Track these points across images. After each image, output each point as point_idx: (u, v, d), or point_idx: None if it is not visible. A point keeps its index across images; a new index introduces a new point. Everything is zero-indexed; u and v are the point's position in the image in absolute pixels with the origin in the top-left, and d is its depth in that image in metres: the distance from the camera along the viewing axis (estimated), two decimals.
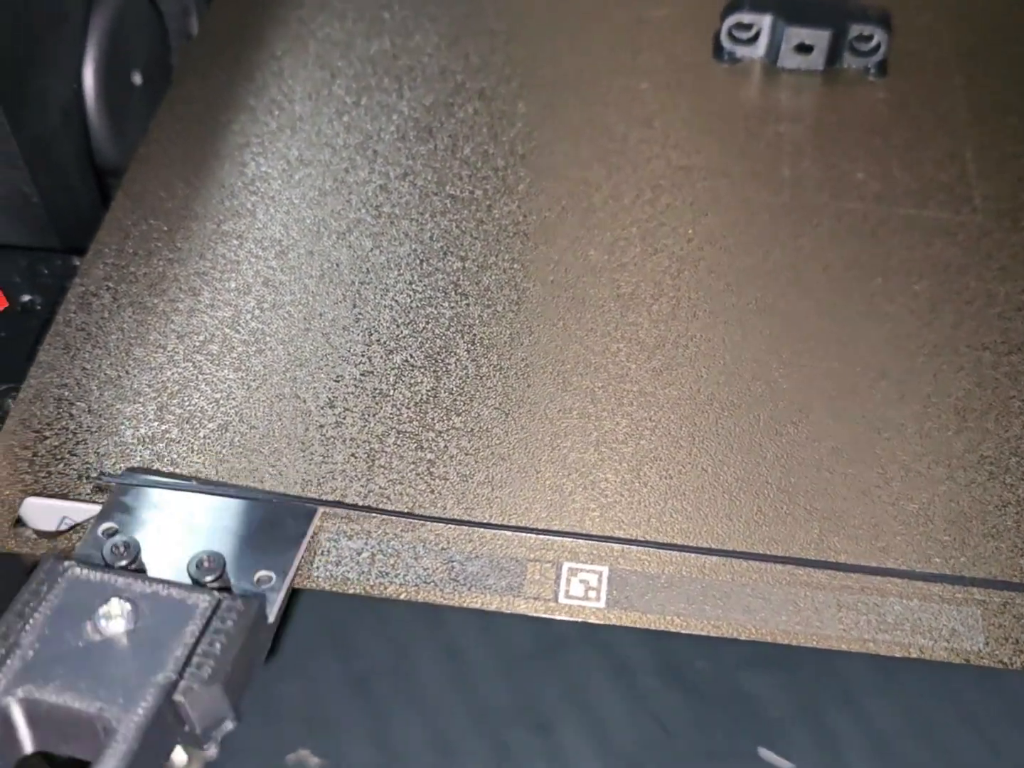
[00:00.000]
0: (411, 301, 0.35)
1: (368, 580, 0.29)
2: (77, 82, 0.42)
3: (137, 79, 0.47)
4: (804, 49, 0.42)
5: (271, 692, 0.54)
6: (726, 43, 0.42)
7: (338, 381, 0.33)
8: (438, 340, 0.34)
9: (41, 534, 0.31)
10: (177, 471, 0.31)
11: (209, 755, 0.53)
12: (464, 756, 0.52)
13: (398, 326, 0.34)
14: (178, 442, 0.32)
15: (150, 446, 0.32)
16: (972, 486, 0.31)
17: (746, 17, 0.42)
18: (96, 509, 0.30)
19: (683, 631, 0.29)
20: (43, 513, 0.31)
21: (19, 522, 0.31)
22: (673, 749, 0.51)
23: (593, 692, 0.54)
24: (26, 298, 0.38)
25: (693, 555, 0.30)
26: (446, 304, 0.35)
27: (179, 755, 0.51)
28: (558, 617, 0.29)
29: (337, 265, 0.36)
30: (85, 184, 0.43)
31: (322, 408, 0.32)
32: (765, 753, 0.52)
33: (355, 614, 0.56)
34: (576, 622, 0.59)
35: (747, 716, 0.52)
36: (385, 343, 0.34)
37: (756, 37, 0.42)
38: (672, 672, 0.54)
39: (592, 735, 0.53)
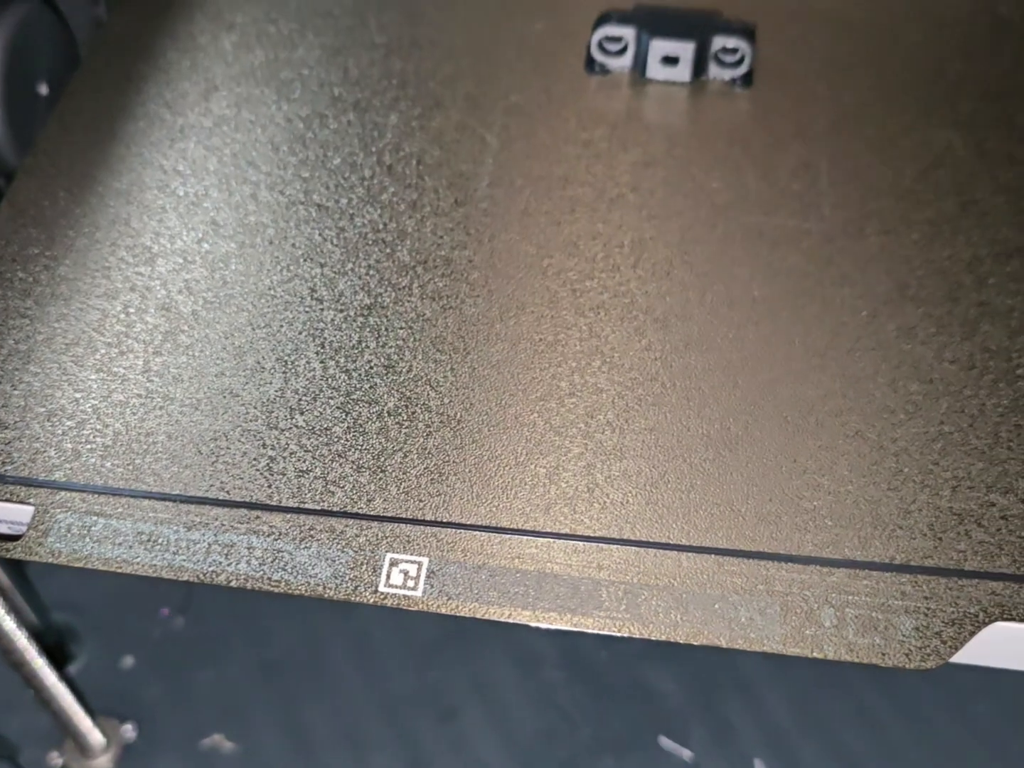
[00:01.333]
0: (268, 306, 0.37)
1: (202, 569, 0.31)
2: None
3: (43, 89, 0.49)
4: (670, 61, 0.43)
5: (186, 679, 0.56)
6: (596, 55, 0.44)
7: (191, 382, 0.35)
8: (290, 343, 0.36)
9: None
10: (34, 465, 0.33)
11: (127, 738, 0.56)
12: (372, 743, 0.54)
13: (254, 329, 0.36)
14: (36, 438, 0.34)
15: (9, 442, 0.33)
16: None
17: (614, 30, 0.43)
18: None
19: (500, 619, 0.31)
20: None
21: None
22: (575, 739, 0.54)
23: (499, 682, 0.56)
24: None
25: (508, 541, 0.31)
26: (301, 308, 0.37)
27: (96, 737, 0.53)
28: (375, 603, 0.31)
29: (201, 271, 0.38)
30: None
31: (174, 408, 0.34)
32: (666, 742, 0.54)
33: (265, 603, 0.58)
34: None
35: (647, 707, 0.54)
36: (240, 346, 0.36)
37: (624, 49, 0.44)
38: (576, 664, 0.56)
39: (496, 724, 0.55)
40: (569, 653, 0.57)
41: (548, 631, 0.58)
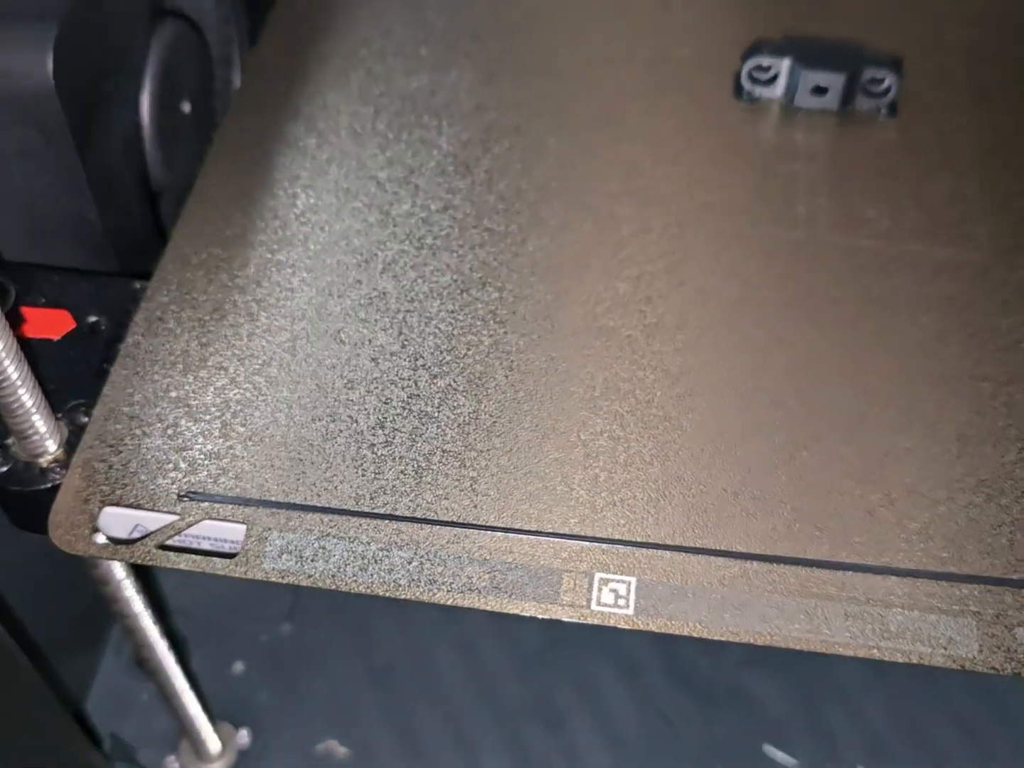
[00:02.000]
0: (452, 329, 0.38)
1: (418, 587, 0.32)
2: (136, 113, 0.45)
3: (186, 107, 0.50)
4: (819, 91, 0.45)
5: (299, 687, 0.57)
6: (746, 84, 0.45)
7: (387, 403, 0.36)
8: (478, 366, 0.37)
9: (115, 541, 0.34)
10: (240, 485, 0.34)
11: (242, 744, 0.56)
12: (480, 747, 0.55)
13: (441, 352, 0.37)
14: (241, 458, 0.35)
15: (215, 461, 0.34)
16: (970, 507, 0.34)
17: (765, 60, 0.44)
18: (168, 519, 0.33)
19: (705, 637, 0.32)
20: (117, 521, 0.34)
21: (95, 530, 0.34)
22: (680, 745, 0.55)
23: (603, 689, 0.57)
24: (92, 319, 0.40)
25: (714, 567, 0.32)
26: (485, 332, 0.38)
27: (214, 742, 0.54)
28: (591, 623, 0.32)
29: (384, 294, 0.39)
30: (142, 209, 0.46)
31: (372, 428, 0.35)
32: (770, 750, 0.55)
33: (369, 609, 0.59)
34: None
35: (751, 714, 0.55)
36: (429, 368, 0.37)
37: (774, 79, 0.45)
38: (678, 672, 0.57)
39: (602, 730, 0.56)
40: (669, 661, 0.58)
41: (648, 637, 0.59)
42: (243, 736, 0.56)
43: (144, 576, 0.59)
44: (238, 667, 0.58)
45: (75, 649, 0.57)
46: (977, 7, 0.51)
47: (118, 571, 0.41)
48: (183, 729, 0.53)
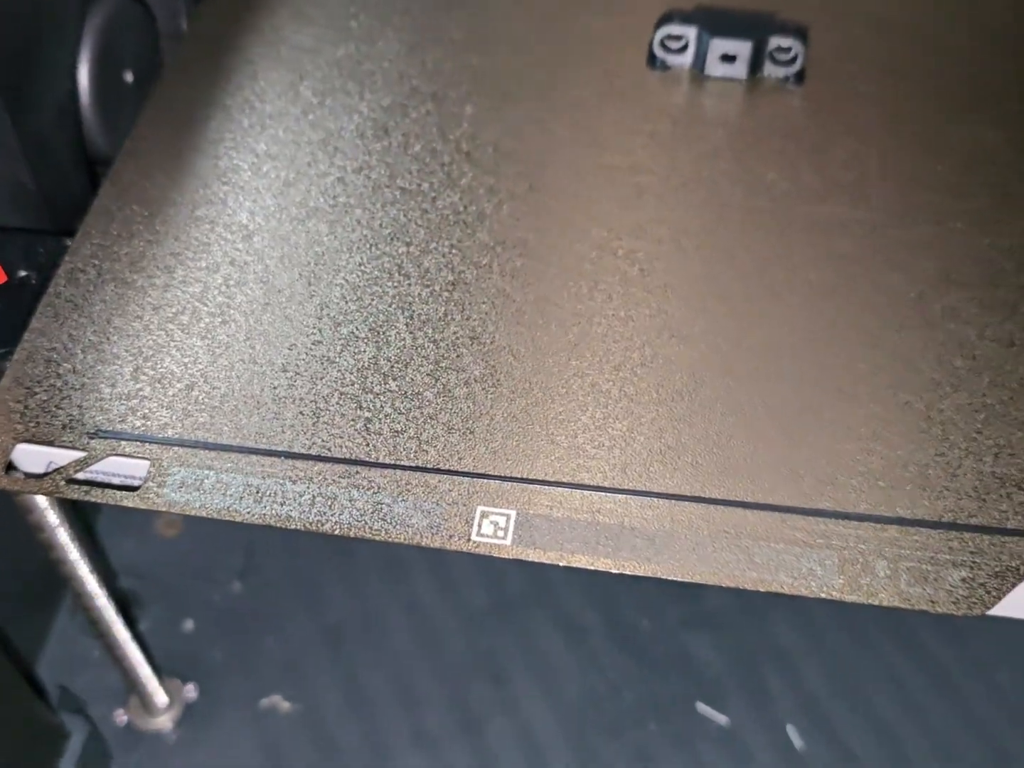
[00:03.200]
0: (359, 280, 0.40)
1: (308, 518, 0.34)
2: (72, 81, 0.47)
3: (128, 77, 0.52)
4: (728, 59, 0.46)
5: (249, 645, 0.59)
6: (658, 52, 0.47)
7: (291, 349, 0.38)
8: (381, 315, 0.39)
9: (29, 475, 0.35)
10: (147, 424, 0.36)
11: (189, 697, 0.58)
12: (425, 703, 0.57)
13: (346, 302, 0.39)
14: (149, 399, 0.36)
15: (125, 402, 0.36)
16: (836, 448, 0.36)
17: (675, 29, 0.46)
18: (77, 455, 0.35)
19: (579, 567, 0.33)
20: (32, 458, 0.36)
21: (11, 466, 0.36)
22: (618, 702, 0.56)
23: (547, 650, 0.59)
24: (23, 274, 0.42)
25: (590, 501, 0.34)
26: (390, 283, 0.40)
27: (161, 696, 0.56)
28: (470, 551, 0.34)
29: (295, 247, 0.41)
30: (78, 173, 0.48)
31: (276, 372, 0.37)
32: (703, 708, 0.57)
33: (321, 571, 0.61)
34: (531, 584, 0.63)
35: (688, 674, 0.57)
36: (334, 317, 0.39)
37: (686, 47, 0.46)
38: (620, 633, 0.59)
39: (544, 689, 0.57)
40: (613, 623, 0.60)
41: (591, 600, 0.60)
42: (190, 690, 0.58)
43: (89, 532, 0.61)
44: (188, 625, 0.60)
45: (29, 609, 0.59)
46: None
47: (51, 517, 0.43)
48: (130, 683, 0.54)
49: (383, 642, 0.59)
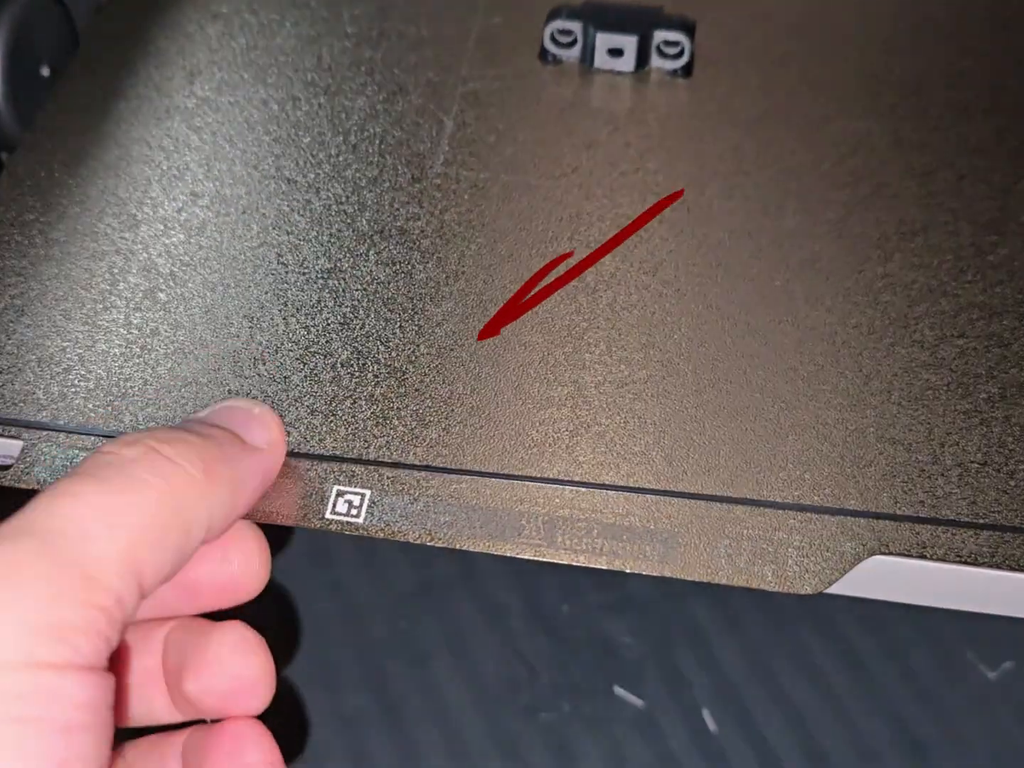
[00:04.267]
0: (238, 269, 0.41)
1: None
2: None
3: (45, 71, 0.53)
4: (615, 53, 0.47)
5: None
6: (549, 46, 0.48)
7: (174, 331, 0.39)
8: (256, 303, 0.40)
9: None
10: (24, 406, 0.37)
11: None
12: (341, 682, 0.58)
13: (224, 288, 0.40)
14: (26, 382, 0.38)
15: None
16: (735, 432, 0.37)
17: (564, 24, 0.47)
18: None
19: (427, 543, 0.35)
20: None
21: None
22: (535, 685, 0.58)
23: (466, 633, 0.60)
24: None
25: (441, 483, 0.35)
26: (267, 272, 0.41)
27: None
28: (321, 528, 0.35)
29: (181, 236, 0.42)
30: None
31: (157, 358, 0.38)
32: (620, 691, 0.58)
33: None
34: (450, 568, 0.64)
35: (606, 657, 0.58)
36: (210, 303, 0.40)
37: (575, 42, 0.48)
38: (540, 616, 0.60)
39: (463, 671, 0.59)
40: (533, 607, 0.61)
41: (512, 586, 0.62)
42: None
43: None
44: None
45: None
46: None
47: None
48: None
49: (302, 623, 0.61)
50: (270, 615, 0.60)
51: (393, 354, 0.39)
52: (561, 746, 0.55)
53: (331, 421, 0.37)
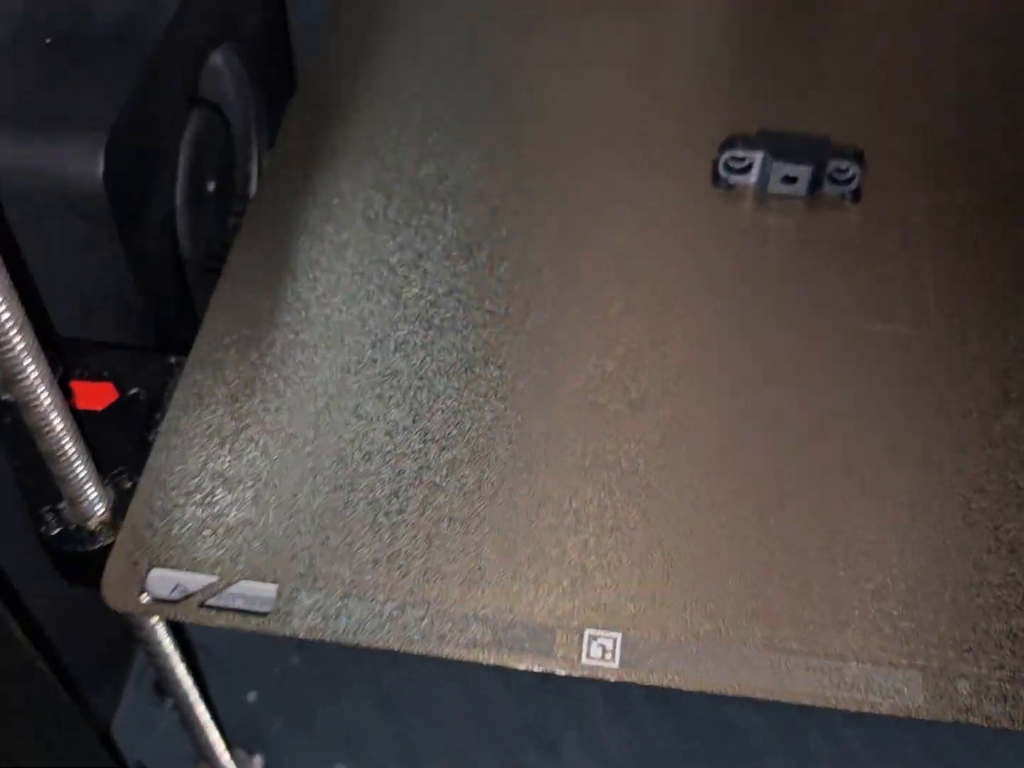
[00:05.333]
0: (458, 404, 0.42)
1: (429, 642, 0.36)
2: (171, 200, 0.49)
3: (211, 186, 0.55)
4: (789, 180, 0.49)
5: (308, 715, 0.61)
6: (723, 172, 0.50)
7: (400, 474, 0.40)
8: (481, 439, 0.41)
9: (157, 599, 0.38)
10: (271, 548, 0.38)
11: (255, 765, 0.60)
12: None
13: (448, 426, 0.42)
14: (272, 524, 0.39)
15: (249, 527, 0.39)
16: (920, 570, 0.38)
17: (740, 153, 0.49)
18: (207, 579, 0.38)
19: (683, 688, 0.36)
20: (162, 583, 0.38)
21: (143, 590, 0.38)
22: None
23: (593, 719, 0.61)
24: (132, 391, 0.45)
25: (691, 623, 0.37)
26: (487, 407, 0.42)
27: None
28: (580, 675, 0.37)
29: (396, 372, 0.43)
30: (174, 284, 0.50)
31: (388, 497, 0.40)
32: None
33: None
34: None
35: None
36: (438, 441, 0.41)
37: (749, 168, 0.49)
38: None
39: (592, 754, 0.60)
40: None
41: None
42: (257, 762, 0.60)
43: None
44: (252, 696, 0.63)
45: (103, 678, 0.61)
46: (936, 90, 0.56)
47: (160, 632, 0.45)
48: (201, 755, 0.57)
49: (435, 711, 0.62)
50: (406, 701, 0.62)
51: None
52: None
53: (567, 561, 0.38)
